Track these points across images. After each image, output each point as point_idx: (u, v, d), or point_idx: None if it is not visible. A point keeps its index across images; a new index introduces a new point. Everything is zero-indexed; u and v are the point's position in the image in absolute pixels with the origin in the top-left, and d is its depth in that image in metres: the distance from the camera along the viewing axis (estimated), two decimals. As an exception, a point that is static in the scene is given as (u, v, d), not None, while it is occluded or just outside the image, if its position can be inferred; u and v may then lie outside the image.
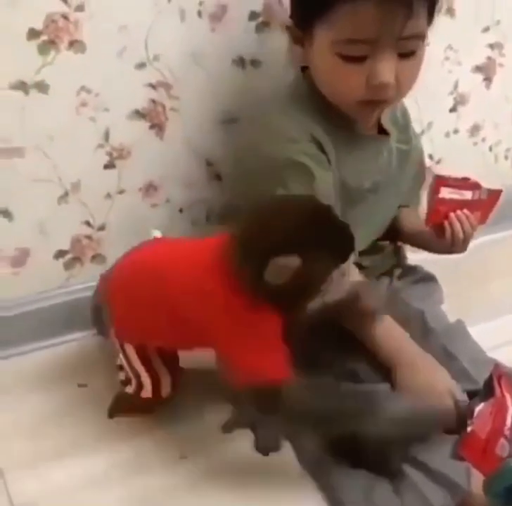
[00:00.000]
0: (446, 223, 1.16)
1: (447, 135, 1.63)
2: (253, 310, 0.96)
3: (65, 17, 1.15)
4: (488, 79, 1.61)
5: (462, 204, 1.15)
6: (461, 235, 1.16)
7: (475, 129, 1.66)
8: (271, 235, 0.95)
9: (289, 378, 0.96)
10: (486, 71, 1.60)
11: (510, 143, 1.73)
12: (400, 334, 1.13)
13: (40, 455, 1.12)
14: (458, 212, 1.15)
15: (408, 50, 1.09)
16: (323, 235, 0.95)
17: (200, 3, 1.23)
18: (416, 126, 1.52)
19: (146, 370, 1.12)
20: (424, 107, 1.54)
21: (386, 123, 1.25)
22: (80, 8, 1.15)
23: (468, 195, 1.15)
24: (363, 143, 1.21)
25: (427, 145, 1.58)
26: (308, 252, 0.93)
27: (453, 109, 1.60)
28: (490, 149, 1.71)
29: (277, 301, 0.96)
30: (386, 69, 1.08)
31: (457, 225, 1.15)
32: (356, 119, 1.18)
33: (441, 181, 1.14)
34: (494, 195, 1.17)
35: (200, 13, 1.24)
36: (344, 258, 0.97)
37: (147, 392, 1.13)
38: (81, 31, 1.17)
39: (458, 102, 1.60)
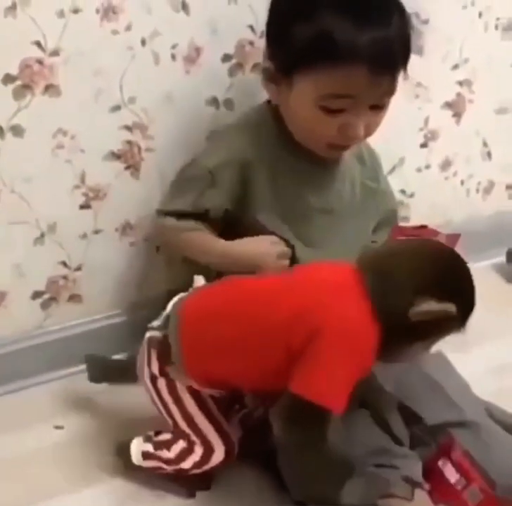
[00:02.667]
0: None
1: (419, 170, 1.66)
2: (364, 327, 0.94)
3: (40, 62, 1.16)
4: (457, 115, 1.64)
5: None
6: None
7: (446, 164, 1.69)
8: (435, 275, 0.95)
9: (342, 412, 0.94)
10: (455, 107, 1.63)
11: (481, 176, 1.76)
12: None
13: (14, 498, 1.12)
14: None
15: (381, 105, 1.15)
16: (466, 290, 0.97)
17: (174, 47, 1.26)
18: (388, 162, 1.56)
19: (211, 422, 1.05)
20: (395, 143, 1.57)
21: (347, 154, 1.27)
22: (55, 53, 1.17)
23: None
24: (315, 166, 1.23)
25: (400, 181, 1.62)
26: (459, 304, 0.94)
27: (424, 145, 1.63)
28: (462, 183, 1.74)
29: (398, 333, 0.95)
30: (360, 123, 1.13)
31: None
32: (320, 154, 1.21)
33: (398, 230, 1.17)
34: (453, 239, 1.20)
35: (173, 56, 1.26)
36: (466, 321, 0.99)
37: (195, 457, 1.06)
38: (56, 76, 1.18)
39: (429, 138, 1.63)
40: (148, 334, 1.05)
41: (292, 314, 0.95)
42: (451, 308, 0.93)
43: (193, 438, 1.05)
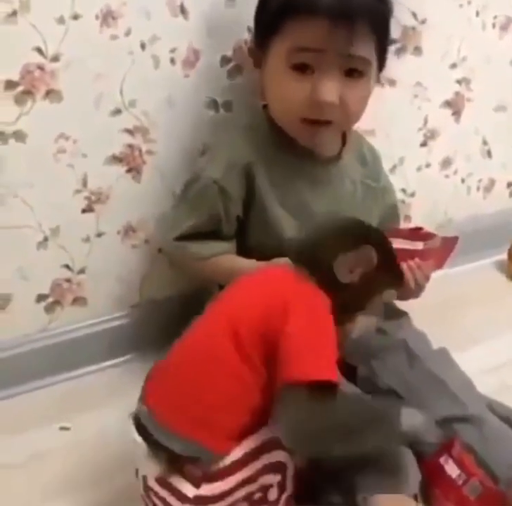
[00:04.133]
0: None
1: (419, 169, 1.66)
2: (320, 303, 0.97)
3: (41, 67, 1.17)
4: (457, 114, 1.65)
5: (413, 253, 1.17)
6: (412, 283, 1.17)
7: (446, 162, 1.70)
8: (352, 233, 1.00)
9: (337, 382, 0.94)
10: (454, 106, 1.64)
11: (481, 174, 1.77)
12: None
13: (21, 499, 1.13)
14: (410, 262, 1.17)
15: (353, 69, 1.14)
16: (386, 254, 1.01)
17: (173, 51, 1.27)
18: (388, 162, 1.56)
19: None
20: (395, 142, 1.58)
21: (347, 153, 1.28)
22: (56, 59, 1.18)
23: (419, 245, 1.17)
24: (314, 167, 1.24)
25: (401, 180, 1.63)
26: (381, 256, 0.99)
27: (424, 144, 1.64)
28: (462, 181, 1.75)
29: (344, 306, 0.99)
30: (329, 86, 1.13)
31: (408, 274, 1.17)
32: (299, 140, 1.21)
33: (393, 233, 1.17)
34: (451, 241, 1.19)
35: (173, 60, 1.27)
36: (400, 284, 1.04)
37: None
38: (57, 81, 1.19)
39: (429, 137, 1.64)
40: (152, 480, 0.95)
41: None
42: (367, 248, 0.98)
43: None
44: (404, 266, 1.16)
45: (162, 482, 0.95)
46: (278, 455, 0.96)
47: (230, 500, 0.94)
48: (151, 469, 0.95)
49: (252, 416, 0.95)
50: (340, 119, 1.18)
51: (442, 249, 1.19)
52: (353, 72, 1.15)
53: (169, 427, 0.94)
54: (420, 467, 1.08)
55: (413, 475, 1.07)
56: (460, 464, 1.08)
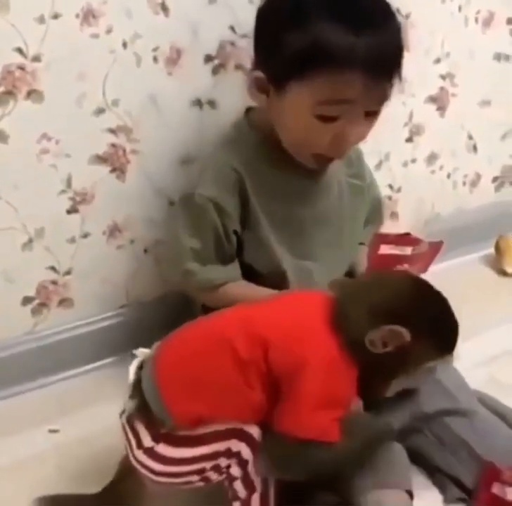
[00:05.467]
0: None
1: (405, 164, 1.66)
2: (342, 361, 0.95)
3: (22, 68, 1.17)
4: (442, 109, 1.65)
5: (402, 258, 1.18)
6: None
7: (432, 158, 1.70)
8: (394, 300, 0.96)
9: (338, 442, 0.95)
10: (439, 101, 1.64)
11: (467, 169, 1.77)
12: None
13: (11, 502, 1.12)
14: (398, 267, 1.17)
15: (376, 111, 1.15)
16: (436, 319, 0.98)
17: (155, 49, 1.26)
18: (374, 158, 1.57)
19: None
20: (381, 138, 1.57)
21: None
22: (37, 59, 1.17)
23: (407, 250, 1.18)
24: (299, 177, 1.23)
25: (387, 176, 1.63)
26: (421, 331, 0.95)
27: (409, 140, 1.64)
28: (448, 176, 1.75)
29: (371, 371, 0.96)
30: (356, 131, 1.13)
31: None
32: (306, 164, 1.20)
33: (381, 239, 1.18)
34: (436, 246, 1.20)
35: (155, 58, 1.27)
36: (448, 349, 1.00)
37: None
38: (38, 81, 1.19)
39: (414, 133, 1.64)
40: (123, 418, 1.00)
41: (267, 346, 0.95)
42: (401, 331, 0.93)
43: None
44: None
45: (131, 423, 0.99)
46: (238, 446, 0.97)
47: (180, 468, 0.98)
48: (127, 406, 0.99)
49: (233, 412, 0.96)
50: (350, 151, 1.21)
51: (429, 253, 1.20)
52: (373, 112, 1.15)
53: (157, 382, 0.97)
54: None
55: (406, 470, 1.08)
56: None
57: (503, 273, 1.73)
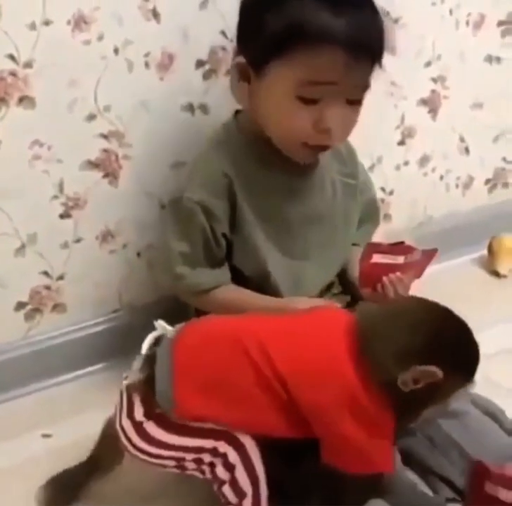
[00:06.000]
0: (379, 286, 1.19)
1: (397, 167, 1.67)
2: (376, 403, 0.95)
3: (14, 74, 1.17)
4: (433, 111, 1.66)
5: (394, 267, 1.18)
6: (392, 296, 1.17)
7: (424, 160, 1.70)
8: (422, 339, 0.95)
9: (393, 471, 0.98)
10: (431, 104, 1.65)
11: (460, 171, 1.77)
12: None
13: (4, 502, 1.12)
14: (391, 276, 1.17)
15: (357, 99, 1.14)
16: (462, 350, 0.98)
17: (147, 55, 1.27)
18: (367, 161, 1.57)
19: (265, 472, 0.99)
20: (373, 141, 1.58)
21: (324, 157, 1.26)
22: (28, 65, 1.18)
23: (400, 259, 1.18)
24: (291, 176, 1.23)
25: (379, 178, 1.63)
26: (452, 366, 0.95)
27: (401, 143, 1.64)
28: (441, 178, 1.75)
29: (402, 406, 0.96)
30: (336, 116, 1.11)
31: (389, 288, 1.17)
32: (295, 159, 1.19)
33: (373, 248, 1.17)
34: (429, 254, 1.20)
35: (147, 64, 1.27)
36: (473, 376, 1.00)
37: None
38: (30, 87, 1.19)
39: (406, 135, 1.64)
40: (125, 382, 1.01)
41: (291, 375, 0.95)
42: (436, 371, 0.94)
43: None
44: (385, 279, 1.17)
45: (129, 390, 1.00)
46: (226, 448, 0.97)
47: (160, 451, 0.98)
48: (132, 374, 1.00)
49: (243, 423, 0.97)
50: (337, 142, 1.19)
51: (422, 260, 1.20)
52: (354, 100, 1.14)
53: (174, 369, 0.97)
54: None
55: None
56: (508, 483, 1.05)
57: (496, 274, 1.74)
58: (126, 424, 1.00)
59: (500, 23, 1.66)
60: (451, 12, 1.58)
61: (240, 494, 0.98)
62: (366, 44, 1.09)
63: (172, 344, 1.00)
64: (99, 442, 1.09)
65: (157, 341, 1.01)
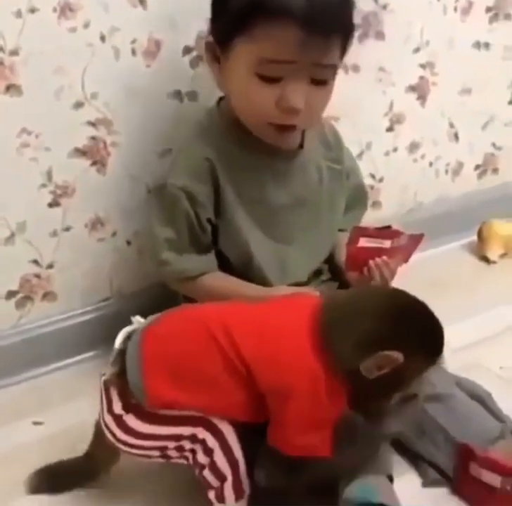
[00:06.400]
0: (365, 269, 1.19)
1: (387, 154, 1.67)
2: (333, 392, 0.95)
3: (0, 62, 1.17)
4: (422, 98, 1.66)
5: (381, 251, 1.18)
6: (378, 279, 1.18)
7: (413, 147, 1.71)
8: (382, 327, 0.96)
9: (331, 456, 0.97)
10: (419, 90, 1.65)
11: (449, 157, 1.78)
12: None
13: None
14: (377, 259, 1.18)
15: (322, 78, 1.13)
16: (423, 333, 0.98)
17: (133, 41, 1.27)
18: (356, 147, 1.57)
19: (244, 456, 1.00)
20: (361, 128, 1.58)
21: (309, 141, 1.27)
22: (15, 53, 1.18)
23: (387, 243, 1.18)
24: (274, 160, 1.23)
25: (369, 165, 1.64)
26: (413, 349, 0.96)
27: (390, 129, 1.65)
28: (430, 164, 1.76)
29: (368, 392, 0.97)
30: (297, 93, 1.11)
31: (375, 272, 1.18)
32: (265, 140, 1.20)
33: (360, 232, 1.17)
34: (416, 239, 1.20)
35: (133, 51, 1.27)
36: (437, 358, 1.00)
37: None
38: (17, 75, 1.19)
39: (395, 122, 1.64)
40: (102, 378, 1.02)
41: (254, 361, 0.96)
42: (397, 356, 0.94)
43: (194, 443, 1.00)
44: (371, 263, 1.18)
45: (107, 386, 1.01)
46: (204, 434, 0.98)
47: (142, 442, 1.00)
48: (107, 371, 1.01)
49: (215, 408, 0.98)
50: (304, 123, 1.18)
51: (409, 245, 1.21)
52: (319, 80, 1.13)
53: (142, 359, 0.98)
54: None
55: (388, 456, 1.11)
56: (491, 465, 1.06)
57: (486, 260, 1.75)
58: (108, 418, 1.01)
59: (488, 9, 1.67)
60: (438, -2, 1.58)
61: (221, 477, 0.99)
62: (323, 21, 1.08)
63: (141, 335, 1.00)
64: (93, 442, 1.09)
65: (130, 336, 1.02)
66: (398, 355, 0.94)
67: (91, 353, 1.39)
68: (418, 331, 0.98)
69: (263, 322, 1.00)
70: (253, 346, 0.96)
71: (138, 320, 1.04)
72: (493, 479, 1.06)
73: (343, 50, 1.15)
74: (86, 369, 1.37)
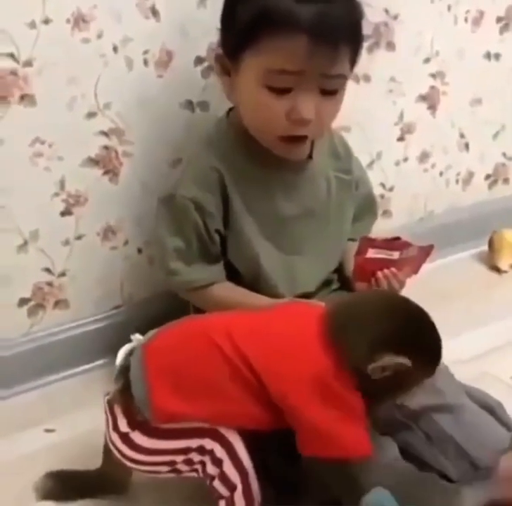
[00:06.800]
0: (373, 280, 1.20)
1: (397, 163, 1.68)
2: (347, 386, 0.96)
3: (14, 72, 1.18)
4: (432, 108, 1.67)
5: (389, 262, 1.19)
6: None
7: (424, 156, 1.71)
8: (395, 329, 0.97)
9: (369, 455, 0.97)
10: (430, 99, 1.66)
11: (459, 167, 1.78)
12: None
13: (6, 502, 1.13)
14: (385, 271, 1.18)
15: (331, 89, 1.14)
16: (429, 341, 0.99)
17: (146, 52, 1.28)
18: (366, 157, 1.58)
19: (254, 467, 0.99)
20: (372, 137, 1.59)
21: (318, 152, 1.27)
22: (29, 64, 1.19)
23: (395, 254, 1.18)
24: (283, 172, 1.23)
25: (379, 174, 1.64)
26: (418, 355, 0.96)
27: (400, 139, 1.65)
28: (441, 174, 1.76)
29: (371, 393, 0.97)
30: (307, 104, 1.11)
31: (383, 283, 1.18)
32: (275, 152, 1.20)
33: (368, 243, 1.18)
34: (426, 250, 1.20)
35: (146, 61, 1.29)
36: (438, 364, 1.02)
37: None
38: (31, 86, 1.20)
39: (405, 132, 1.65)
40: (106, 398, 1.02)
41: (261, 369, 0.96)
42: (405, 361, 0.95)
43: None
44: (379, 274, 1.18)
45: (111, 404, 1.01)
46: (211, 444, 0.98)
47: (150, 458, 1.00)
48: (112, 388, 1.01)
49: (225, 419, 0.98)
50: (314, 133, 1.19)
51: (419, 256, 1.21)
52: (329, 90, 1.13)
53: (147, 374, 0.98)
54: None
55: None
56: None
57: (497, 269, 1.75)
58: (114, 437, 1.01)
59: (499, 19, 1.68)
60: (449, 8, 1.59)
61: (231, 487, 0.99)
62: (330, 31, 1.08)
63: (144, 350, 1.00)
64: (104, 460, 1.09)
65: (131, 353, 1.02)
66: (406, 361, 0.95)
67: (102, 361, 1.39)
68: (422, 337, 0.99)
69: (269, 330, 1.00)
70: (261, 354, 0.96)
71: (137, 338, 1.04)
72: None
73: (353, 61, 1.15)
74: (97, 376, 1.37)
